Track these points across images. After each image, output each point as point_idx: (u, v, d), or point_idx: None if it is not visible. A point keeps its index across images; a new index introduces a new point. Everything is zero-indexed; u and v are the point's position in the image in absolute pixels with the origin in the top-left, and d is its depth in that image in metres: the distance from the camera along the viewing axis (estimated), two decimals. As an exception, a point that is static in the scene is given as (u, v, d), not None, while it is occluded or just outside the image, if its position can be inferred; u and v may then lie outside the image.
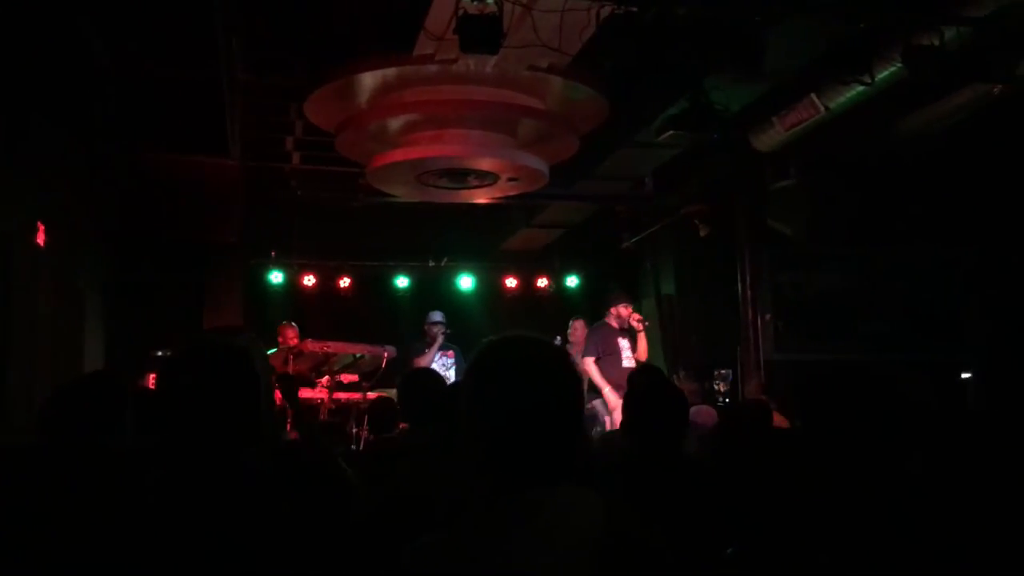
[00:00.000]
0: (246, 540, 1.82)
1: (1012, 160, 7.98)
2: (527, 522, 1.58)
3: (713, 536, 2.58)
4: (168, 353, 2.04)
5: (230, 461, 1.91)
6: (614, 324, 8.46)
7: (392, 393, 8.64)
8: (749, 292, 9.22)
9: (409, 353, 9.36)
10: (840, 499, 2.26)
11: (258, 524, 1.85)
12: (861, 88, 6.54)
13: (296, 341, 8.88)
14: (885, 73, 6.35)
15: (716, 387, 8.68)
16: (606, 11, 5.63)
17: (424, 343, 9.49)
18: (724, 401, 8.57)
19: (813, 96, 7.08)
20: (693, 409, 8.17)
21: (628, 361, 8.32)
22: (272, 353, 9.04)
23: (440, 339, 9.39)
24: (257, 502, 1.88)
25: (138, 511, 1.87)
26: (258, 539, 1.83)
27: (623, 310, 8.50)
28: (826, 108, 7.05)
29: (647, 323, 8.49)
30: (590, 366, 8.13)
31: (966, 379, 8.89)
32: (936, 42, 5.83)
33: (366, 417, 8.35)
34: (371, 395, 8.60)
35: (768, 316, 9.13)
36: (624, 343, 8.44)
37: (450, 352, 9.47)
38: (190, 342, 2.05)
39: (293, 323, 9.21)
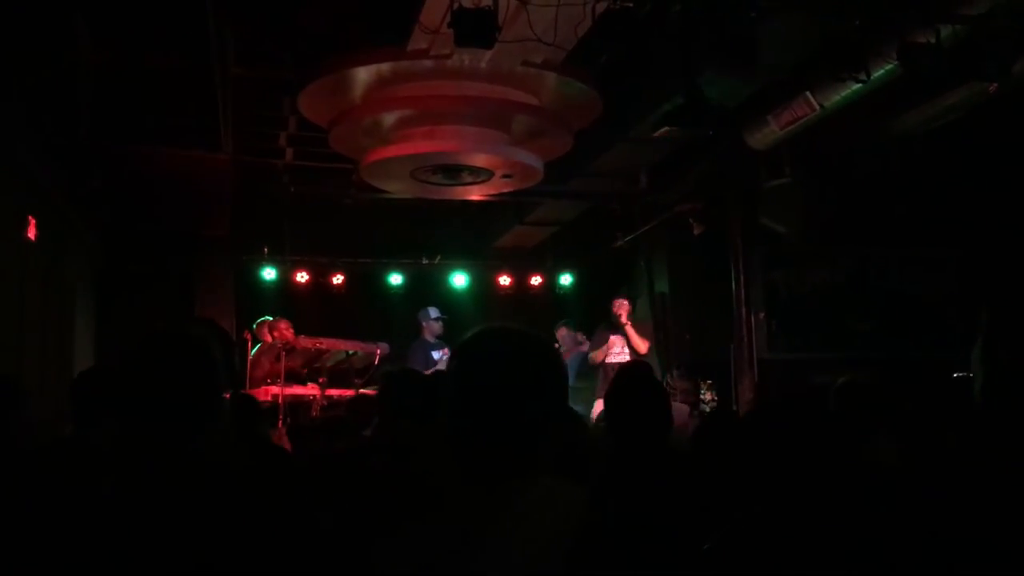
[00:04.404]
0: (196, 529, 1.81)
1: (1002, 159, 7.98)
2: (501, 514, 1.56)
3: (693, 530, 2.58)
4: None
5: (182, 450, 1.90)
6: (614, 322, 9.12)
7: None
8: (742, 291, 9.22)
9: (415, 354, 9.37)
10: (806, 491, 2.28)
11: (208, 514, 1.83)
12: (857, 86, 6.51)
13: (291, 335, 8.84)
14: (881, 71, 6.32)
15: (703, 395, 8.86)
16: (601, 6, 5.60)
17: (425, 341, 9.55)
18: (712, 407, 8.74)
19: (808, 94, 7.05)
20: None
21: (613, 357, 8.96)
22: (264, 349, 9.00)
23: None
24: (207, 492, 1.86)
25: (92, 501, 1.86)
26: (207, 528, 1.81)
27: (613, 307, 9.17)
28: (821, 106, 7.02)
29: (625, 317, 9.07)
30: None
31: (959, 377, 8.93)
32: (932, 40, 5.81)
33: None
34: (365, 392, 8.58)
35: (762, 315, 9.12)
36: (616, 339, 9.05)
37: (446, 349, 9.52)
38: (148, 333, 2.04)
39: (285, 318, 9.15)
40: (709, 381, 9.03)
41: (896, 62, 6.04)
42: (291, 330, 8.94)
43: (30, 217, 6.51)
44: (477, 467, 1.62)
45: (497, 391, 1.64)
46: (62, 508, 1.97)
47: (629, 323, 9.04)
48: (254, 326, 9.11)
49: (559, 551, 1.52)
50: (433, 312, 9.74)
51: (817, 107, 7.05)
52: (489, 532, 1.54)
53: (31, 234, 6.52)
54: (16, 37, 5.66)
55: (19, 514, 2.37)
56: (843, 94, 6.80)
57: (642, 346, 9.01)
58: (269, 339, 8.92)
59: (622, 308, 9.11)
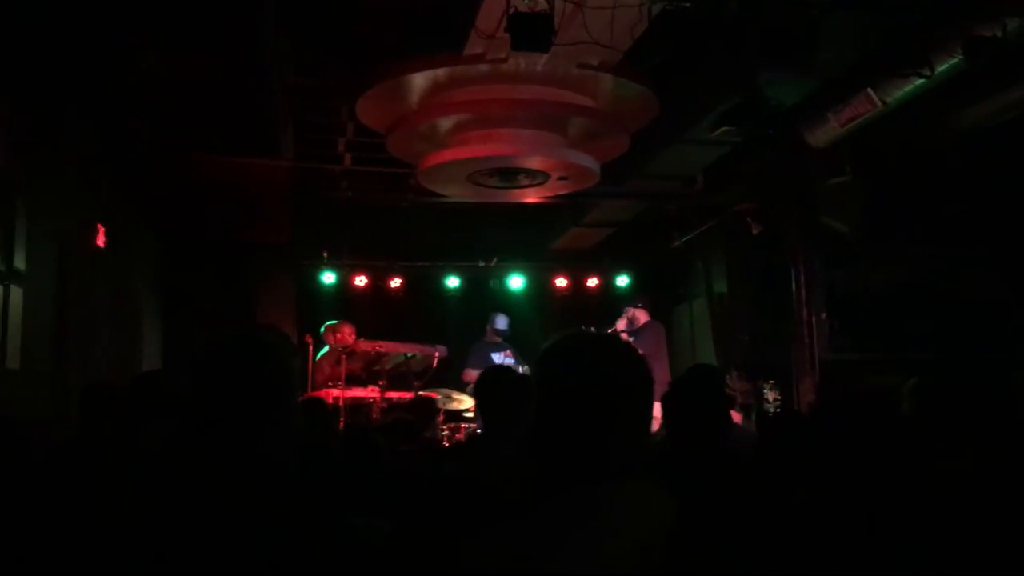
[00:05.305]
0: (258, 532, 1.82)
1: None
2: (587, 517, 1.56)
3: (754, 535, 2.55)
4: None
5: (249, 453, 1.92)
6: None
7: (442, 392, 8.75)
8: (803, 291, 9.07)
9: (475, 355, 9.49)
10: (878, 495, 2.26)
11: (271, 516, 1.85)
12: (920, 81, 6.38)
13: (352, 339, 8.94)
14: (944, 66, 6.18)
15: (766, 396, 8.74)
16: (657, 7, 5.58)
17: (485, 343, 9.64)
18: (776, 409, 8.61)
19: (870, 90, 6.93)
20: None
21: None
22: (325, 353, 9.12)
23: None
24: (271, 493, 1.88)
25: (154, 505, 1.89)
26: (269, 532, 1.83)
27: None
28: (883, 102, 6.89)
29: (623, 326, 9.03)
30: None
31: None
32: (998, 33, 5.68)
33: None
34: (423, 394, 8.66)
35: (823, 315, 8.98)
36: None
37: (508, 351, 9.57)
38: (221, 338, 2.07)
39: (347, 322, 9.25)
40: (772, 381, 8.88)
41: (960, 56, 5.92)
42: (352, 334, 9.05)
43: (99, 225, 6.68)
44: (564, 471, 1.62)
45: (582, 395, 1.65)
46: (107, 508, 2.00)
47: (624, 333, 8.89)
48: (321, 330, 9.22)
49: (646, 556, 1.52)
50: (501, 323, 9.81)
51: (879, 103, 6.92)
52: (576, 535, 1.54)
53: (100, 241, 6.69)
54: (80, 50, 5.81)
55: (63, 512, 2.42)
56: (906, 90, 6.66)
57: None
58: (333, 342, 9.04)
59: (623, 316, 9.09)
